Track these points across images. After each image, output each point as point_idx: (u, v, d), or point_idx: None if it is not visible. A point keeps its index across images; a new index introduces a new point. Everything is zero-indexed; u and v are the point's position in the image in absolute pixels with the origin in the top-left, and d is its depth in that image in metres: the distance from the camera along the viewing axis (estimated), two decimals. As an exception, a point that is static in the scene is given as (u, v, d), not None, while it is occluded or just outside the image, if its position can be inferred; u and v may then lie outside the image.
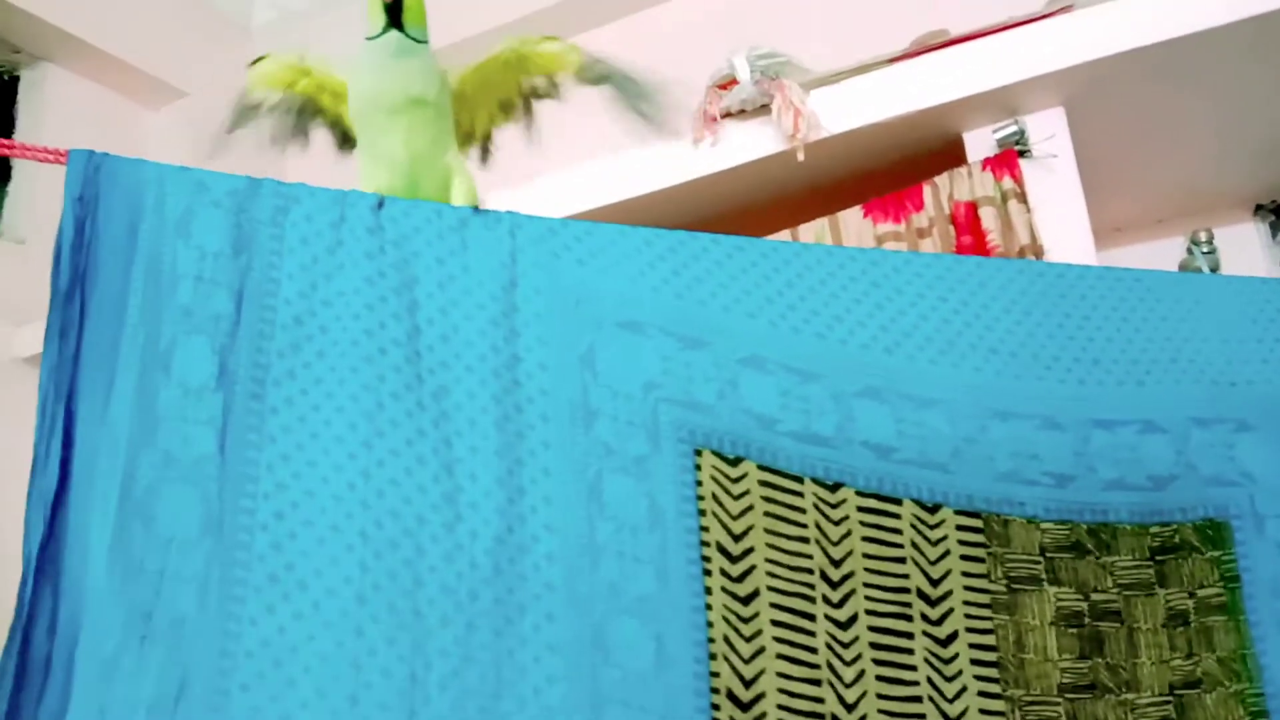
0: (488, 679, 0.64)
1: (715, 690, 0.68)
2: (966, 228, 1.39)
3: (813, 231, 1.46)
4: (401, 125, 0.76)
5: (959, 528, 0.76)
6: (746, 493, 0.73)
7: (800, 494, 0.74)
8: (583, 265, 0.75)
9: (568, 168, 1.50)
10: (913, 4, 1.54)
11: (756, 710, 0.68)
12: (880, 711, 0.71)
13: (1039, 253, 1.35)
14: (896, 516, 0.76)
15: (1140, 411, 0.81)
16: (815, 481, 0.75)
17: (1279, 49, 1.31)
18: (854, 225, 1.45)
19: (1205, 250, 1.58)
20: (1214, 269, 1.59)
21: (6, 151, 0.74)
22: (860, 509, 0.75)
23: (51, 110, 1.95)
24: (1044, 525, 0.77)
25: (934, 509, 0.76)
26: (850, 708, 0.71)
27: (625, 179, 1.49)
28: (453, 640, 0.65)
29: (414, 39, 0.77)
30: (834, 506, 0.75)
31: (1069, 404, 0.80)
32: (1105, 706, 0.75)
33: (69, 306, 0.64)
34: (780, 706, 0.69)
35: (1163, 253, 1.64)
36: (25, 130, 1.92)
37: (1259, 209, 1.62)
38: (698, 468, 0.72)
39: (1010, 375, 0.80)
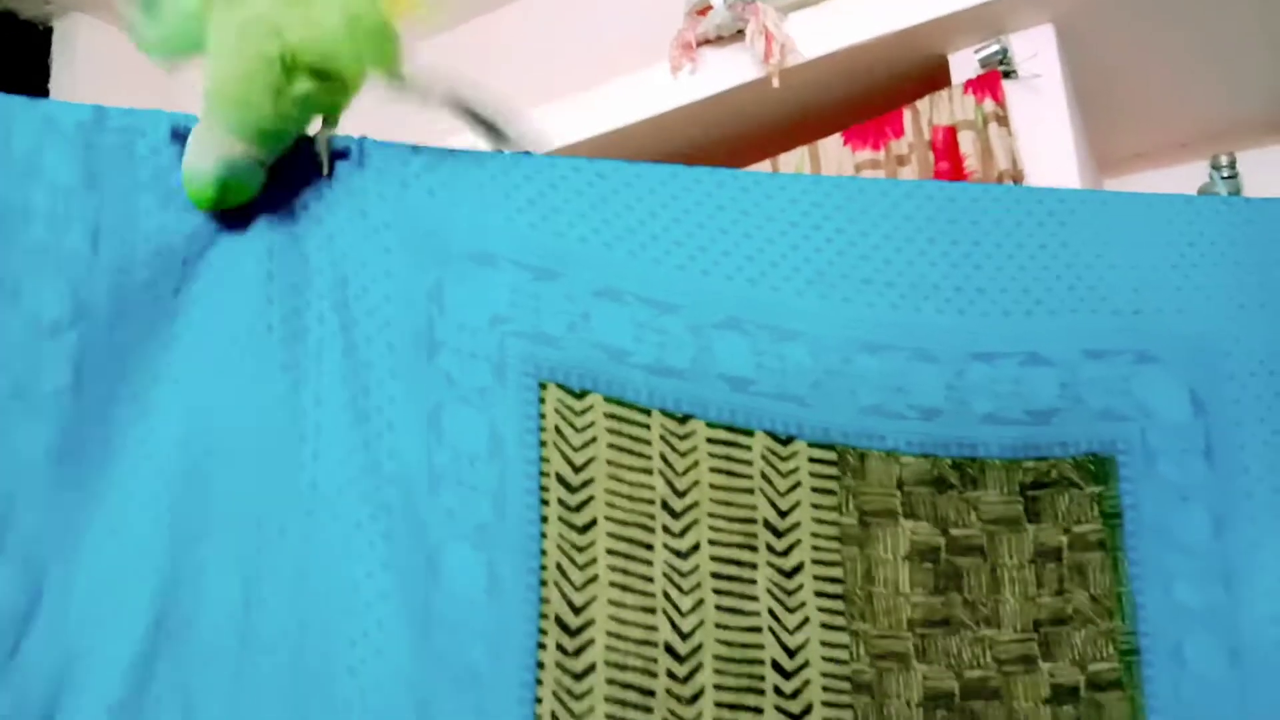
0: (319, 591, 0.67)
1: (544, 616, 0.70)
2: (945, 153, 1.34)
3: (792, 161, 1.43)
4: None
5: (811, 460, 0.75)
6: (591, 425, 0.73)
7: (647, 426, 0.74)
8: (433, 196, 0.75)
9: (544, 102, 1.50)
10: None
11: (584, 637, 0.70)
12: (717, 641, 0.71)
13: (1018, 178, 1.30)
14: (747, 449, 0.75)
15: (1025, 343, 0.78)
16: (664, 414, 0.74)
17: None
18: (834, 153, 1.42)
19: (1226, 175, 1.49)
20: (1235, 194, 1.50)
21: None
22: (710, 440, 0.75)
23: (84, 61, 2.01)
24: (904, 459, 0.76)
25: (787, 441, 0.75)
26: (685, 635, 0.71)
27: (603, 111, 1.49)
28: (288, 552, 0.68)
29: None
30: (682, 439, 0.74)
31: (945, 335, 0.77)
32: (959, 642, 0.74)
33: None
34: (610, 633, 0.70)
35: (1184, 179, 1.55)
36: (59, 81, 1.99)
37: (1290, 129, 1.51)
38: (541, 400, 0.73)
39: (884, 306, 0.77)
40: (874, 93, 1.40)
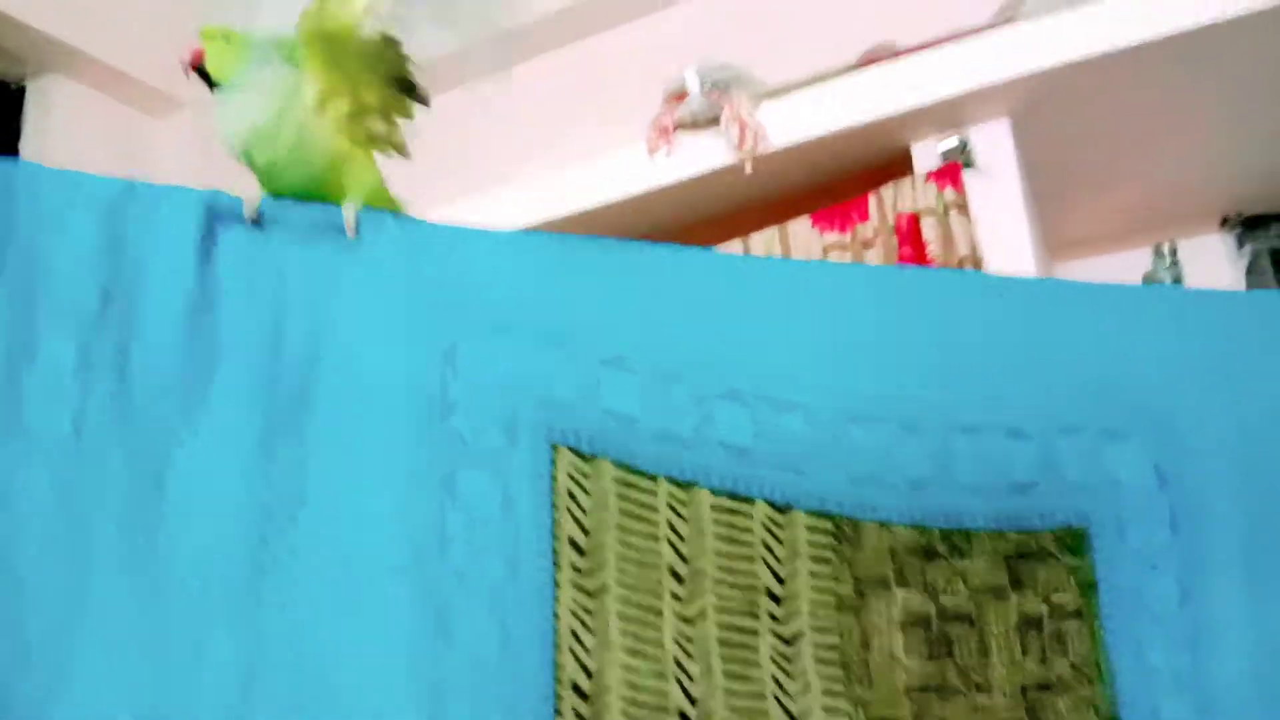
0: (328, 657, 0.68)
1: (559, 681, 0.71)
2: (908, 238, 1.40)
3: (762, 241, 1.49)
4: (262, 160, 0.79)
5: (809, 529, 0.78)
6: (601, 490, 0.76)
7: (654, 493, 0.77)
8: (450, 266, 0.78)
9: (520, 178, 1.54)
10: (862, 17, 1.56)
11: (599, 702, 0.71)
12: (726, 707, 0.73)
13: (978, 263, 1.37)
14: (748, 517, 0.78)
15: (1004, 417, 0.82)
16: (670, 481, 0.77)
17: (1238, 57, 1.31)
18: (802, 235, 1.48)
19: (1169, 263, 1.58)
20: (1177, 281, 1.59)
21: None
22: (714, 508, 0.78)
23: (56, 121, 2.02)
24: (895, 529, 0.79)
25: (785, 510, 0.78)
26: (695, 701, 0.73)
27: (579, 191, 1.53)
28: (293, 622, 0.68)
29: (234, 83, 0.80)
30: (687, 506, 0.77)
31: (930, 409, 0.81)
32: (954, 707, 0.77)
33: None
34: (624, 698, 0.72)
35: (1128, 264, 1.64)
36: (31, 140, 1.99)
37: (1225, 221, 1.61)
38: (554, 463, 0.75)
39: (872, 380, 0.82)
40: (840, 179, 1.46)
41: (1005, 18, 1.36)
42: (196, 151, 2.13)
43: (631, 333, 0.79)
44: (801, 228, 1.47)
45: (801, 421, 0.79)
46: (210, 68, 0.81)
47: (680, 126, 1.50)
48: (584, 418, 0.76)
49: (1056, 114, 1.39)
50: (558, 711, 0.70)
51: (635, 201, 1.55)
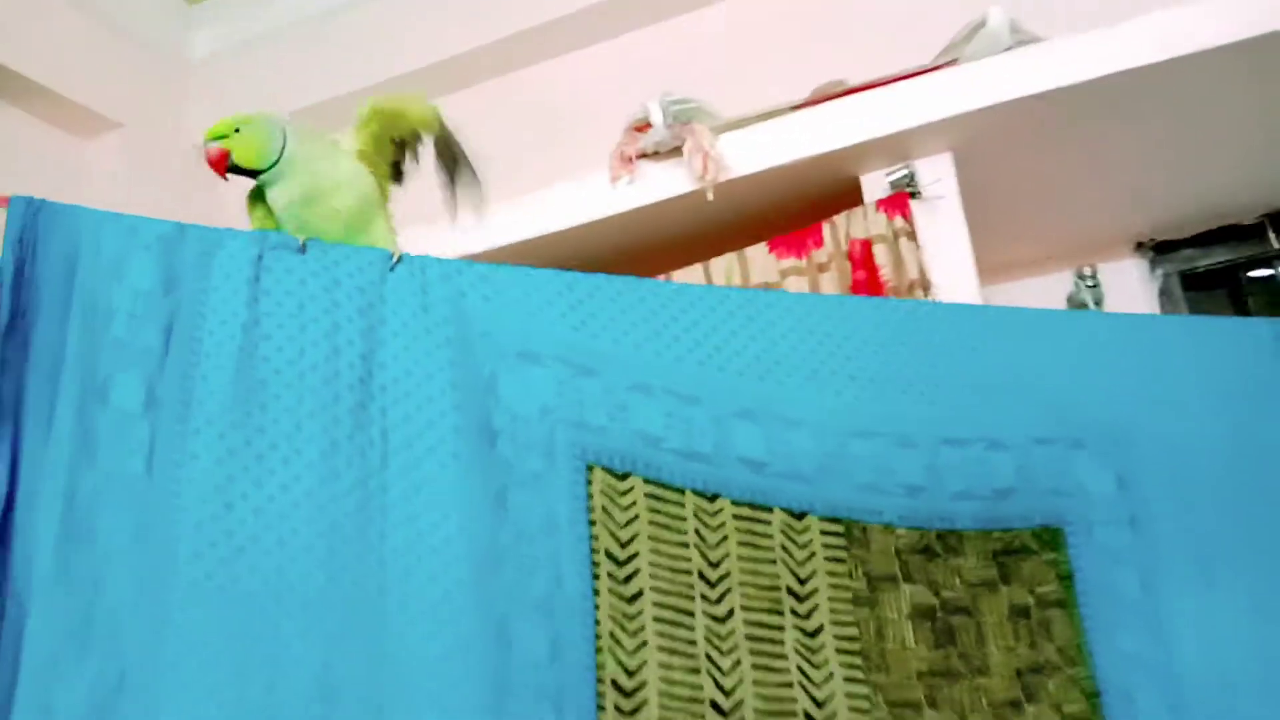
0: (402, 660, 0.72)
1: (601, 680, 0.76)
2: (861, 263, 1.49)
3: (722, 266, 1.56)
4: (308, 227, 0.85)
5: (823, 533, 0.85)
6: (633, 504, 0.81)
7: (681, 505, 0.83)
8: (487, 302, 0.84)
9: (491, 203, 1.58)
10: (814, 55, 1.65)
11: (639, 698, 0.77)
12: (756, 696, 0.80)
13: (926, 287, 1.46)
14: (768, 524, 0.85)
15: (986, 430, 0.91)
16: (695, 493, 0.84)
17: (1151, 101, 1.44)
18: (760, 260, 1.55)
19: (1090, 285, 1.71)
20: (1098, 302, 1.71)
21: None
22: (735, 517, 0.84)
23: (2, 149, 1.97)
24: (898, 531, 0.87)
25: (801, 516, 0.85)
26: (728, 693, 0.79)
27: (545, 215, 1.58)
28: (364, 633, 0.72)
29: (262, 170, 0.85)
30: (712, 515, 0.84)
31: (921, 424, 0.90)
32: (960, 690, 0.85)
33: (9, 340, 0.71)
34: (661, 693, 0.77)
35: (1052, 287, 1.76)
36: (-25, 170, 1.94)
37: (1139, 246, 1.75)
38: (589, 482, 0.81)
39: (868, 399, 0.89)
40: (796, 207, 1.54)
41: (948, 59, 1.46)
42: (125, 172, 2.12)
43: (651, 360, 0.85)
44: (759, 253, 1.55)
45: (808, 436, 0.86)
46: (241, 160, 0.86)
47: (643, 156, 1.56)
48: (615, 439, 0.82)
49: (993, 148, 1.50)
50: (600, 707, 0.75)
51: (597, 225, 1.60)
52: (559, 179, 1.60)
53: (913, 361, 0.92)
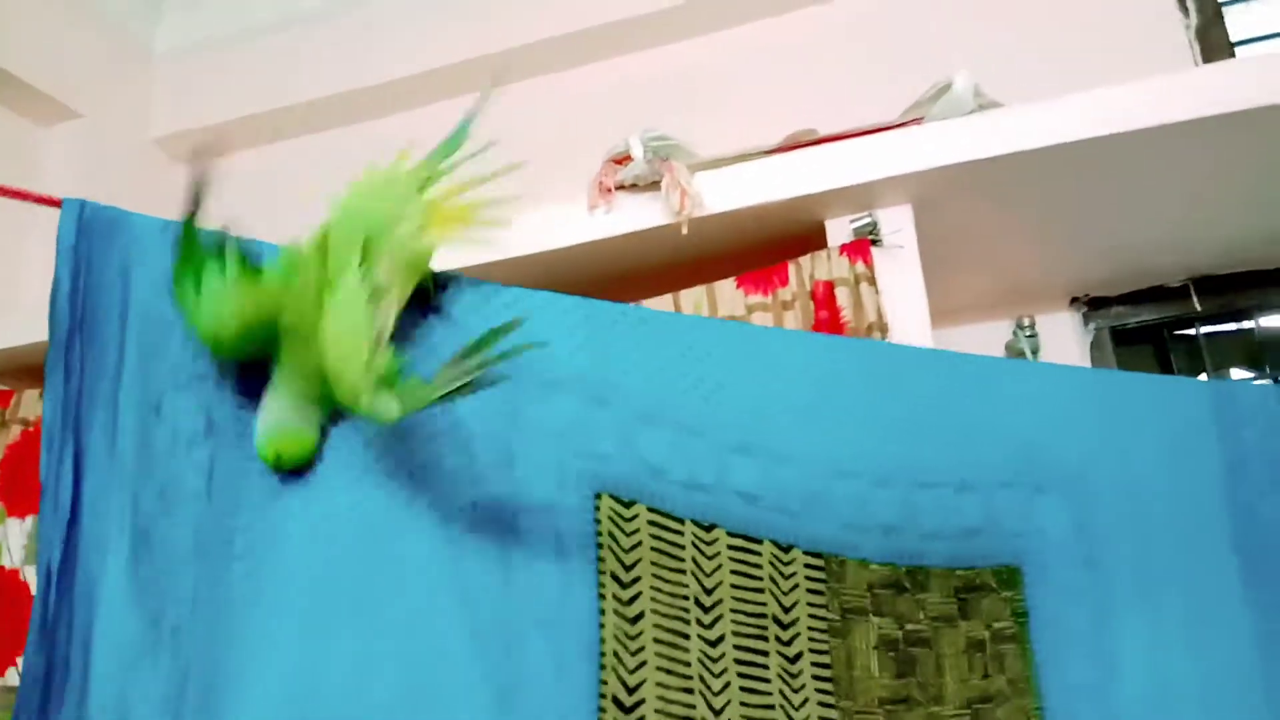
0: (413, 671, 0.76)
1: (603, 695, 0.81)
2: (824, 303, 1.57)
3: (691, 299, 1.62)
4: None
5: (806, 565, 0.92)
6: (637, 530, 0.87)
7: (681, 533, 0.89)
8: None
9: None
10: (788, 103, 1.73)
11: (637, 714, 0.82)
12: (742, 717, 0.86)
13: (884, 329, 1.54)
14: (758, 554, 0.91)
15: (956, 474, 0.99)
16: (694, 523, 0.89)
17: (1091, 170, 1.55)
18: (728, 295, 1.62)
19: (1028, 334, 1.82)
20: (1035, 351, 1.82)
21: (4, 194, 0.78)
22: (730, 547, 0.90)
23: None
24: (872, 566, 0.94)
25: (787, 549, 0.92)
26: (717, 713, 0.85)
27: (521, 237, 1.62)
28: (403, 626, 0.76)
29: None
30: (708, 545, 0.89)
31: (897, 466, 0.97)
32: (917, 716, 0.92)
33: (70, 349, 0.73)
34: (658, 711, 0.83)
35: (992, 334, 1.86)
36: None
37: (1074, 301, 1.86)
38: (597, 509, 0.86)
39: (851, 440, 0.96)
40: (764, 246, 1.61)
41: (912, 118, 1.55)
42: (82, 163, 2.09)
43: (659, 393, 0.90)
44: (727, 288, 1.61)
45: (797, 473, 0.93)
46: None
47: (620, 187, 1.61)
48: (622, 468, 0.87)
49: (949, 203, 1.59)
50: None
51: (570, 251, 1.65)
52: (528, 204, 1.64)
53: (893, 405, 0.99)
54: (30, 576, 1.51)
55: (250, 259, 0.79)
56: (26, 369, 1.79)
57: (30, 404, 1.70)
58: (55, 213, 0.79)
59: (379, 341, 0.79)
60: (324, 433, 0.80)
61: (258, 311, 0.76)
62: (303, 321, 0.77)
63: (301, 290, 0.77)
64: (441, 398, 0.76)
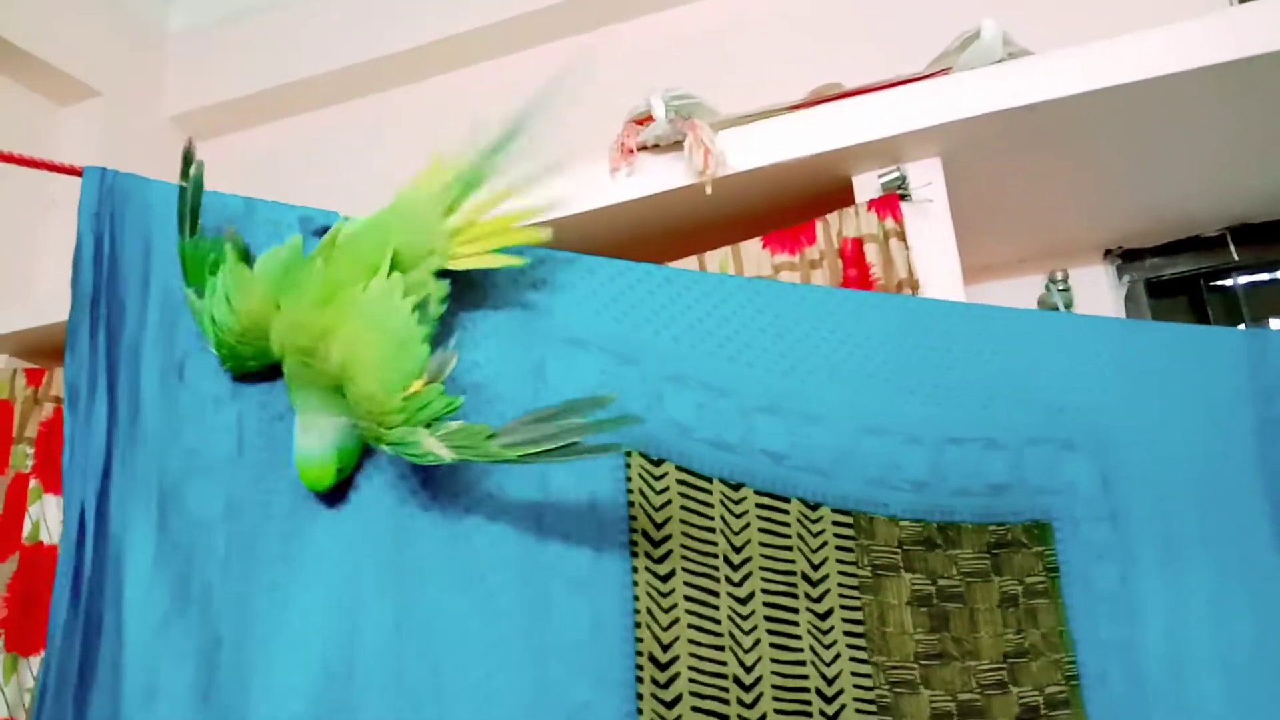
0: (451, 631, 0.77)
1: (639, 654, 0.82)
2: (852, 261, 1.55)
3: (717, 259, 1.61)
4: None
5: (835, 523, 0.92)
6: (666, 489, 0.87)
7: (709, 492, 0.88)
8: (537, 289, 0.88)
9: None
10: (812, 57, 1.70)
11: (672, 670, 0.82)
12: (773, 673, 0.86)
13: (915, 286, 1.52)
14: (786, 513, 0.90)
15: (984, 431, 0.98)
16: (722, 482, 0.89)
17: (1125, 118, 1.51)
18: (754, 255, 1.60)
19: (1061, 288, 1.79)
20: (1068, 305, 1.80)
21: (26, 164, 0.79)
22: (758, 505, 0.90)
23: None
24: (902, 523, 0.93)
25: (815, 507, 0.91)
26: (749, 669, 0.85)
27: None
28: (433, 596, 0.77)
29: None
30: (736, 503, 0.89)
31: (927, 423, 0.96)
32: (952, 671, 0.92)
33: (94, 312, 0.74)
34: (691, 668, 0.83)
35: (1025, 289, 1.84)
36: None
37: (1108, 253, 1.83)
38: (628, 466, 0.86)
39: (881, 397, 0.95)
40: (790, 204, 1.60)
41: (940, 68, 1.52)
42: (99, 141, 2.11)
43: (686, 353, 0.90)
44: (753, 248, 1.60)
45: (825, 432, 0.92)
46: None
47: (642, 148, 1.60)
48: (651, 427, 0.87)
49: (979, 155, 1.57)
50: (639, 680, 0.81)
51: (594, 214, 1.64)
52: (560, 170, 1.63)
53: (922, 362, 0.98)
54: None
55: (250, 263, 0.78)
56: (56, 349, 1.82)
57: (63, 382, 1.72)
58: (75, 194, 0.79)
59: (417, 364, 0.75)
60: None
61: (258, 323, 0.75)
62: (302, 333, 0.75)
63: (301, 294, 0.76)
64: (515, 459, 0.72)
